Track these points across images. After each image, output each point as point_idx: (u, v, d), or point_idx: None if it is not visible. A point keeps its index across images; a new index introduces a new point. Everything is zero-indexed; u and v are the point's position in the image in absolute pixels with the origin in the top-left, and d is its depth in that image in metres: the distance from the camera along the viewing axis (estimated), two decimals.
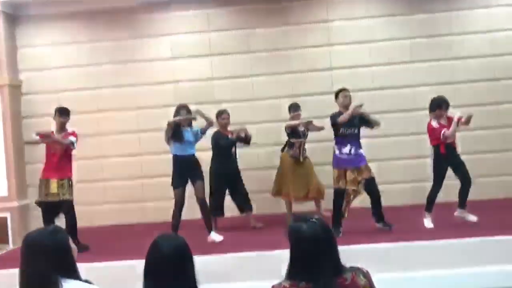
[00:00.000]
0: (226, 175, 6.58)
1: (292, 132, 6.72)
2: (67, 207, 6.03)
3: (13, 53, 7.91)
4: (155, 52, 7.93)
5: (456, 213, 5.88)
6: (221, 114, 6.69)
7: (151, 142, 7.52)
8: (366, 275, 2.06)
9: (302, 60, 7.77)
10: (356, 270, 2.05)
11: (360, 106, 5.76)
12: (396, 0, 7.81)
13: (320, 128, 6.70)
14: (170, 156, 6.21)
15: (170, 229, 5.72)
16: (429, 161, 7.31)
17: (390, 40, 7.74)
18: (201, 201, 6.03)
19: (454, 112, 5.79)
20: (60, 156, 6.11)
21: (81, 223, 6.27)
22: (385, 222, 5.85)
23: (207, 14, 7.90)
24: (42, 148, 7.81)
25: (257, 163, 7.53)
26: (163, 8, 7.89)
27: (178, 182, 5.96)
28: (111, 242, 6.45)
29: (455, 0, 7.75)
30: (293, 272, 2.00)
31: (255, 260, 5.13)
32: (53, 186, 6.03)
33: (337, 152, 5.83)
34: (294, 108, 6.87)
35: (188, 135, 6.05)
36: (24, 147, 7.90)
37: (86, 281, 2.17)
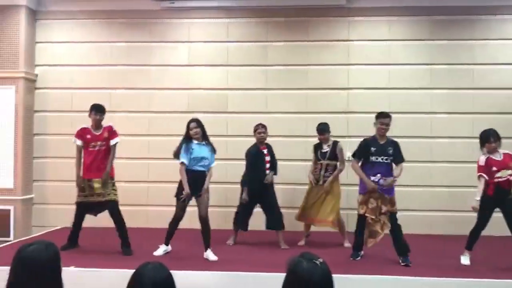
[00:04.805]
0: (257, 189, 6.38)
1: (315, 153, 6.54)
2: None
3: (31, 47, 7.92)
4: (172, 58, 7.89)
5: None
6: (257, 129, 6.49)
7: (159, 146, 7.48)
8: None
9: (319, 77, 7.67)
10: None
11: (392, 181, 5.46)
12: (419, 24, 7.68)
13: (341, 163, 6.47)
14: (177, 162, 5.95)
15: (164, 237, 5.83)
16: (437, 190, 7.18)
17: (410, 64, 7.61)
18: (203, 219, 5.72)
19: None
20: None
21: (85, 223, 6.24)
22: (406, 257, 5.45)
23: (227, 23, 7.86)
24: (50, 144, 7.88)
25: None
26: (183, 14, 7.86)
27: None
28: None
29: (480, 29, 7.60)
30: None
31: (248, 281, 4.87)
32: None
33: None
34: (320, 130, 6.48)
35: (202, 150, 5.78)
36: (33, 140, 7.90)
37: None
